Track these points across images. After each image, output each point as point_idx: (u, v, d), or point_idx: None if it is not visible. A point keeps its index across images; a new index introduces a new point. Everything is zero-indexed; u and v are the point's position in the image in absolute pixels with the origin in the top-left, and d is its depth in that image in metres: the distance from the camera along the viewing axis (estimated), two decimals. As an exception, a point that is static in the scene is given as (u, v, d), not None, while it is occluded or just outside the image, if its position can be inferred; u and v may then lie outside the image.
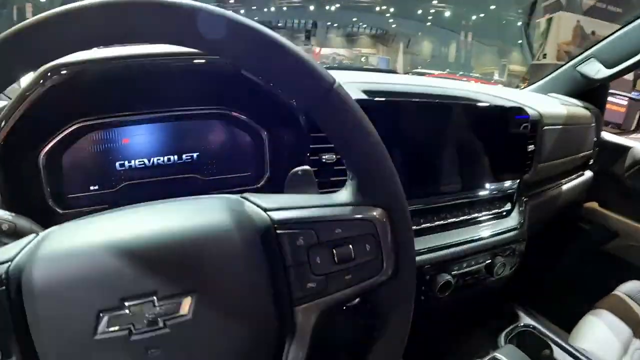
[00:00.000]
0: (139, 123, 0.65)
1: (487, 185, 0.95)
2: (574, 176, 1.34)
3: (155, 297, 0.31)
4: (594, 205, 1.53)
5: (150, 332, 0.31)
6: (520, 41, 15.90)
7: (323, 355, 0.44)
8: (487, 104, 0.93)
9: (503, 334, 0.97)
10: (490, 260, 0.92)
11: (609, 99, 2.02)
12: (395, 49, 22.59)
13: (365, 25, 24.15)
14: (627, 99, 2.06)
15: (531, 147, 1.01)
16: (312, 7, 23.64)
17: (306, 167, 0.51)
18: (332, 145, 0.63)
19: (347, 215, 0.39)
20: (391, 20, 24.38)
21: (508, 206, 1.00)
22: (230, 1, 23.08)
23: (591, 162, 1.44)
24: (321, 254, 0.37)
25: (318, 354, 0.39)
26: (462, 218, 0.91)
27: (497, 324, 1.02)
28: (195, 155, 0.68)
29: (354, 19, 24.66)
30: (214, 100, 0.67)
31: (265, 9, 24.02)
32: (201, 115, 0.67)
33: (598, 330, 1.07)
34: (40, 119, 0.57)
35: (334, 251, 0.38)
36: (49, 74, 0.55)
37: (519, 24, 16.83)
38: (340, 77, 0.81)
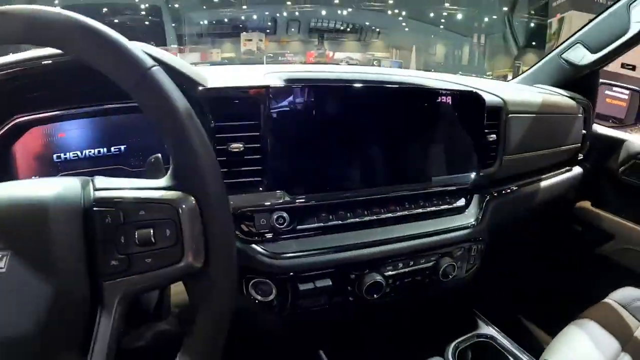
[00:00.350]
0: (73, 118, 0.69)
1: (436, 178, 0.84)
2: (558, 172, 1.22)
3: None
4: (587, 204, 1.41)
5: None
6: (534, 42, 15.69)
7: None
8: (436, 89, 0.84)
9: (452, 345, 0.87)
10: (435, 261, 0.82)
11: (608, 92, 1.90)
12: (408, 51, 22.47)
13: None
14: (628, 92, 1.93)
15: (492, 137, 0.91)
16: (324, 12, 23.70)
17: (157, 154, 0.52)
18: (239, 135, 0.67)
19: (151, 199, 0.41)
20: (404, 24, 24.29)
21: (462, 202, 0.90)
22: (243, 7, 23.38)
23: (580, 156, 1.32)
24: (125, 234, 0.40)
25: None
26: (400, 213, 0.81)
27: (453, 333, 0.92)
28: (122, 147, 0.72)
29: (367, 23, 24.65)
30: None
31: (278, 14, 24.19)
32: (125, 109, 0.69)
33: (579, 343, 0.95)
34: None
35: (136, 233, 0.40)
36: None
37: (532, 25, 16.57)
38: (272, 68, 0.80)
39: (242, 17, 23.66)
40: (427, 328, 1.01)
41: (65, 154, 0.68)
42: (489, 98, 0.91)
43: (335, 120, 0.73)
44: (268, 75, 0.76)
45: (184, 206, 0.40)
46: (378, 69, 1.19)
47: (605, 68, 1.35)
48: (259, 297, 0.70)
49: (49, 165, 0.68)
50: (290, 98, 0.68)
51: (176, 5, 21.18)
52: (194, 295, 0.43)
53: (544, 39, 13.33)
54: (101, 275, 0.39)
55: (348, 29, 24.32)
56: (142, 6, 19.99)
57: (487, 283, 0.96)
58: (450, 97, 0.83)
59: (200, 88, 0.65)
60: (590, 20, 1.28)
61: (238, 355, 0.79)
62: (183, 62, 0.71)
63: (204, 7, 22.49)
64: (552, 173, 1.19)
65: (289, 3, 23.18)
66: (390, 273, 0.78)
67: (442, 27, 23.10)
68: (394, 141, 0.79)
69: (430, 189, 0.84)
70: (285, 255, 0.70)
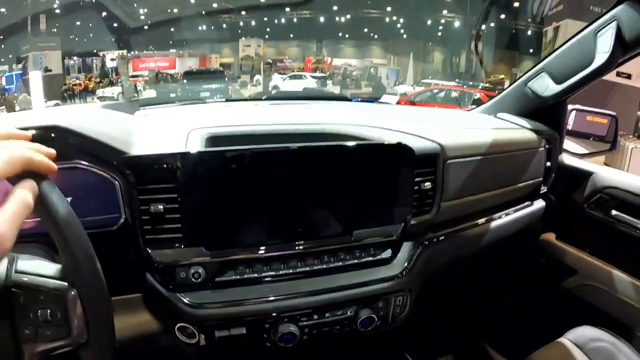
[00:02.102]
0: None
1: (357, 232, 0.83)
2: (516, 208, 1.17)
3: None
4: (551, 236, 1.36)
5: None
6: (531, 50, 15.70)
7: None
8: (359, 144, 0.83)
9: None
10: (353, 313, 0.83)
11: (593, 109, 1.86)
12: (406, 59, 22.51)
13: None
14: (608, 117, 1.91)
15: (428, 185, 0.88)
16: (322, 19, 23.76)
17: None
18: (160, 196, 0.72)
19: (48, 288, 0.52)
20: (402, 31, 24.35)
21: (387, 253, 0.87)
22: (242, 13, 23.43)
23: (544, 189, 1.27)
24: (33, 312, 0.51)
25: None
26: (318, 267, 0.82)
27: None
28: (69, 199, 0.76)
29: (365, 30, 24.72)
30: (66, 157, 0.72)
31: (276, 20, 24.25)
32: (69, 168, 0.73)
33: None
34: None
35: (39, 312, 0.51)
36: None
37: (529, 33, 16.60)
38: (200, 121, 0.94)
39: (241, 23, 23.72)
40: None
41: None
42: (422, 145, 0.89)
43: (253, 179, 0.76)
44: (192, 134, 0.84)
45: (69, 295, 0.51)
46: (316, 115, 1.17)
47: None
48: (184, 339, 0.77)
49: None
50: (207, 161, 0.73)
51: (175, 10, 21.20)
52: None
53: (541, 47, 13.37)
54: (21, 340, 0.51)
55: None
56: (142, 12, 20.04)
57: (429, 326, 0.92)
58: (374, 150, 0.83)
59: (121, 156, 0.72)
60: (557, 48, 1.24)
61: None
62: (103, 127, 0.77)
63: (203, 12, 22.54)
64: (508, 210, 1.14)
65: (287, 9, 23.26)
66: (305, 323, 0.80)
67: (439, 33, 23.19)
68: (314, 197, 0.81)
69: (351, 243, 0.83)
70: (204, 304, 0.75)
